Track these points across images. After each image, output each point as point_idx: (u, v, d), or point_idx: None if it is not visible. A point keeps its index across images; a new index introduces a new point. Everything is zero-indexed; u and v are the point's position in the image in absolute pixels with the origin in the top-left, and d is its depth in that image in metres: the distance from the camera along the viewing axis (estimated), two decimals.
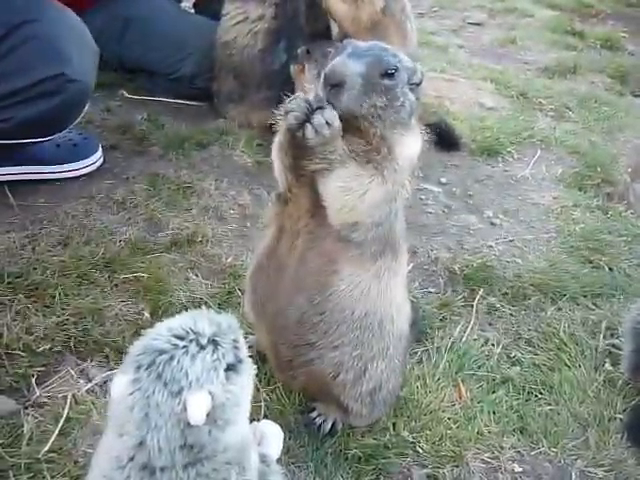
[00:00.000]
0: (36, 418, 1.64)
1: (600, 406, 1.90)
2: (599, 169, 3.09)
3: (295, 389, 1.78)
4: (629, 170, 3.14)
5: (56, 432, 1.60)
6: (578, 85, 4.06)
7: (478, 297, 2.24)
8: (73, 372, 1.77)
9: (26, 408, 1.66)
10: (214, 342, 1.02)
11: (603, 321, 2.19)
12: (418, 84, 1.48)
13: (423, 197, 2.77)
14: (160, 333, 1.02)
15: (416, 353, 1.99)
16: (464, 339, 2.07)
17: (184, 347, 1.00)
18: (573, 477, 1.72)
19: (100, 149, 2.61)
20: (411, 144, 1.49)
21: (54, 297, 1.95)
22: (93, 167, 2.57)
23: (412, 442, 1.73)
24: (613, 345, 2.09)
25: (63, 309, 1.93)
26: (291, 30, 2.92)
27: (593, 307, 2.27)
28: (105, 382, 1.73)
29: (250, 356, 1.08)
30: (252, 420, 1.21)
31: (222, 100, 3.07)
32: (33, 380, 1.73)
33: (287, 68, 2.84)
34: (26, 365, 1.76)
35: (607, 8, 5.55)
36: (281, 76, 2.87)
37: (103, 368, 1.80)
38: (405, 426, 1.76)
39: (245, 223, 2.45)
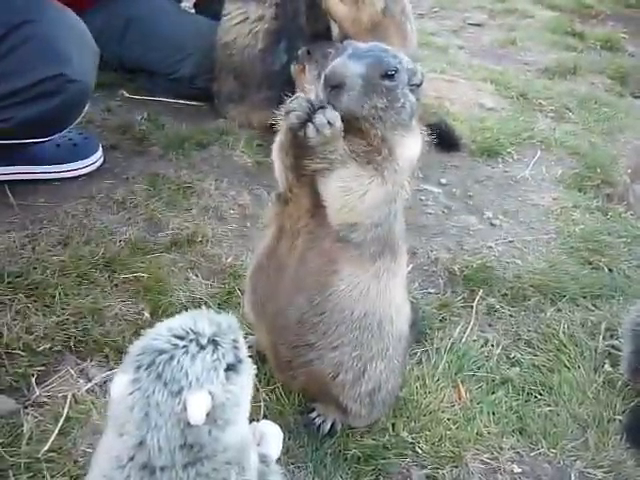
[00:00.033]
0: (36, 418, 1.64)
1: (599, 407, 1.90)
2: (599, 170, 3.09)
3: (295, 389, 1.78)
4: (629, 171, 3.14)
5: (56, 432, 1.60)
6: (578, 86, 4.06)
7: (478, 298, 2.24)
8: (73, 372, 1.77)
9: (26, 407, 1.66)
10: (214, 342, 1.02)
11: (603, 322, 2.19)
12: (418, 85, 1.48)
13: (423, 198, 2.78)
14: (160, 333, 1.02)
15: (416, 354, 1.99)
16: (464, 340, 2.07)
17: (184, 347, 1.00)
18: (572, 478, 1.72)
19: (100, 149, 2.62)
20: (411, 145, 1.49)
21: (54, 297, 1.96)
22: (93, 167, 2.57)
23: (411, 443, 1.73)
24: (612, 346, 2.09)
25: (63, 309, 1.93)
26: (291, 31, 2.92)
27: (593, 308, 2.27)
28: (105, 382, 1.73)
29: (250, 356, 1.08)
30: (252, 420, 1.21)
31: (222, 100, 3.08)
32: (33, 380, 1.73)
33: (287, 68, 2.85)
34: (26, 365, 1.76)
35: (607, 9, 5.55)
36: (281, 76, 2.88)
37: (103, 368, 1.80)
38: (404, 427, 1.76)
39: (245, 223, 2.45)
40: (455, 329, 2.10)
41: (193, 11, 3.67)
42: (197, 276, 2.15)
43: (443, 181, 2.91)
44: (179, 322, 1.04)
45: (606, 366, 2.03)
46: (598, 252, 2.54)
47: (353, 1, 2.82)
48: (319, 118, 1.35)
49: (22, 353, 1.79)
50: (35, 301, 1.94)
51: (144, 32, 3.10)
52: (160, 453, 0.98)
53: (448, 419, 1.80)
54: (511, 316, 2.21)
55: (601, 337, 2.13)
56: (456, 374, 1.94)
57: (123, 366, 1.03)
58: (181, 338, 1.01)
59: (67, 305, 1.94)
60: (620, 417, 1.88)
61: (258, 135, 2.91)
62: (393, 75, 1.40)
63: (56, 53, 2.12)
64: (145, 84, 3.20)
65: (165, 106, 3.12)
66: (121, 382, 1.00)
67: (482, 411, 1.84)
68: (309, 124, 1.36)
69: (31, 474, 1.51)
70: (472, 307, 2.20)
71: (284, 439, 1.38)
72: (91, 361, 1.81)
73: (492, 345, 2.07)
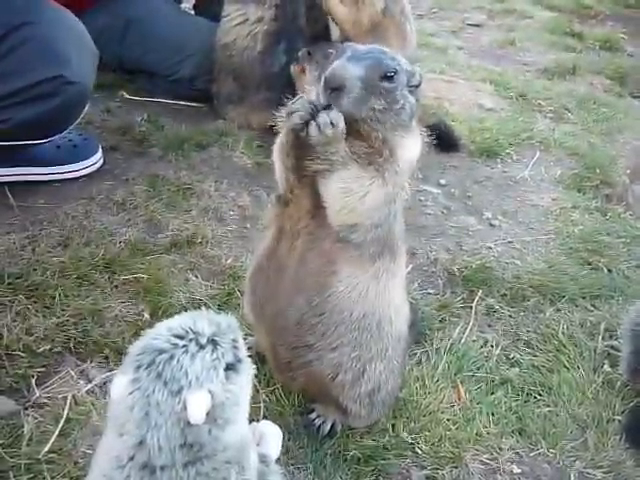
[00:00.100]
0: (36, 419, 1.64)
1: (599, 407, 1.90)
2: (598, 170, 3.09)
3: (294, 390, 1.78)
4: (628, 171, 3.14)
5: (56, 433, 1.60)
6: (577, 86, 4.06)
7: (477, 298, 2.24)
8: (73, 373, 1.78)
9: (26, 409, 1.66)
10: (213, 342, 1.02)
11: (602, 322, 2.19)
12: (417, 86, 1.49)
13: (422, 198, 2.78)
14: (160, 333, 1.03)
15: (415, 354, 1.99)
16: (463, 340, 2.07)
17: (184, 346, 1.00)
18: (572, 478, 1.72)
19: (100, 150, 2.62)
20: (412, 146, 1.49)
21: (54, 298, 1.96)
22: (93, 168, 2.57)
23: (411, 443, 1.73)
24: (612, 347, 2.09)
25: (63, 310, 1.93)
26: (291, 32, 2.93)
27: (592, 308, 2.28)
28: (105, 383, 1.73)
29: (249, 357, 1.09)
30: (251, 421, 1.21)
31: (222, 101, 3.08)
32: (33, 381, 1.73)
33: (287, 70, 2.85)
34: (26, 366, 1.76)
35: (606, 9, 5.56)
36: (281, 78, 2.88)
37: (103, 369, 1.80)
38: (404, 427, 1.76)
39: (245, 224, 2.45)
40: (454, 330, 2.11)
41: (193, 12, 3.68)
42: (197, 277, 2.16)
43: (442, 182, 2.92)
44: (179, 322, 1.04)
45: (605, 366, 2.03)
46: (597, 252, 2.54)
47: (353, 2, 2.83)
48: (322, 117, 1.36)
49: (22, 354, 1.79)
50: (35, 302, 1.94)
51: (143, 33, 3.11)
52: (160, 452, 0.99)
53: (448, 420, 1.80)
54: (510, 316, 2.21)
55: (600, 337, 2.14)
56: (455, 375, 1.94)
57: (123, 366, 1.03)
58: (181, 338, 1.01)
59: (67, 306, 1.94)
60: (619, 417, 1.88)
61: (257, 136, 2.91)
62: (392, 77, 1.40)
63: (55, 54, 2.12)
64: (145, 85, 3.21)
65: (165, 107, 3.12)
66: (121, 382, 1.00)
67: (481, 411, 1.84)
68: (312, 122, 1.36)
69: (31, 475, 1.51)
70: (471, 307, 2.21)
71: (284, 440, 1.39)
72: (91, 362, 1.81)
73: (491, 345, 2.08)
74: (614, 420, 1.88)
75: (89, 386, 1.74)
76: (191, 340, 1.01)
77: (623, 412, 1.90)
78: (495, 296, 2.27)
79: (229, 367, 1.02)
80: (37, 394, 1.70)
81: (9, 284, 1.98)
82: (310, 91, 1.49)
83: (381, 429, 1.75)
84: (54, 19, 2.16)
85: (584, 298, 2.31)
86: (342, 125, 1.37)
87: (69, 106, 2.23)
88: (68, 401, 1.69)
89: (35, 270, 2.04)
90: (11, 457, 1.53)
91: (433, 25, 4.93)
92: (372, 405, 1.67)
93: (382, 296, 1.56)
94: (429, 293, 2.27)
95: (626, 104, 3.92)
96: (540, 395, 1.93)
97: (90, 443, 1.57)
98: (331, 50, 2.41)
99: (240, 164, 2.79)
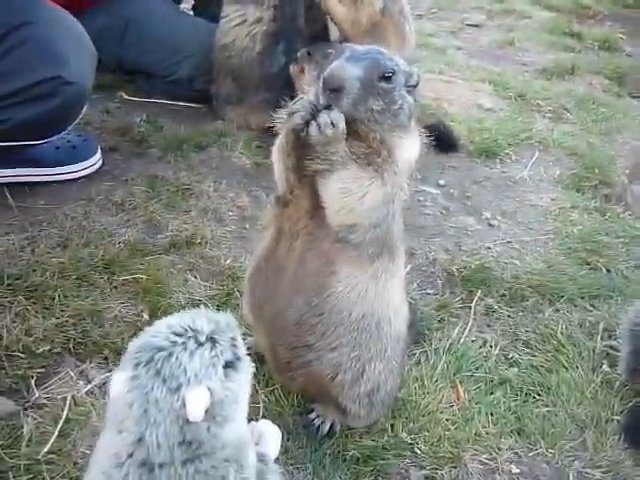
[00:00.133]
0: (35, 419, 1.64)
1: (597, 407, 1.90)
2: (597, 170, 3.09)
3: (293, 390, 1.79)
4: (627, 171, 3.15)
5: (55, 433, 1.60)
6: (576, 86, 4.07)
7: (476, 298, 2.25)
8: (72, 373, 1.78)
9: (25, 409, 1.67)
10: (212, 339, 1.02)
11: (601, 323, 2.19)
12: (415, 86, 1.49)
13: (421, 199, 2.78)
14: (159, 330, 1.03)
15: (414, 354, 1.99)
16: (462, 340, 2.07)
17: (182, 344, 1.00)
18: (570, 478, 1.72)
19: (99, 151, 2.62)
20: (410, 147, 1.50)
21: (53, 299, 1.96)
22: (92, 169, 2.58)
23: (410, 443, 1.73)
24: (611, 347, 2.09)
25: (62, 311, 1.93)
26: (290, 32, 2.93)
27: (591, 309, 2.28)
28: (104, 383, 1.73)
29: (248, 356, 1.09)
30: (250, 421, 1.21)
31: (221, 102, 3.08)
32: (32, 381, 1.73)
33: (285, 70, 2.85)
34: (25, 366, 1.76)
35: (605, 9, 5.56)
36: (280, 78, 2.88)
37: (102, 369, 1.80)
38: (403, 427, 1.77)
39: (244, 225, 2.45)
40: (453, 330, 2.11)
41: (191, 13, 3.68)
42: (196, 278, 2.16)
43: (441, 182, 2.92)
44: (177, 320, 1.04)
45: (604, 366, 2.03)
46: (596, 252, 2.54)
47: (352, 2, 2.83)
48: (323, 117, 1.36)
49: (22, 355, 1.79)
50: (34, 303, 1.94)
51: (142, 34, 3.11)
52: (159, 450, 0.99)
53: (447, 420, 1.80)
54: (509, 317, 2.21)
55: (599, 337, 2.14)
56: (454, 375, 1.95)
57: (122, 364, 1.03)
58: (179, 335, 1.01)
59: (66, 307, 1.95)
60: (618, 417, 1.88)
61: (256, 137, 2.91)
62: (390, 77, 1.41)
63: (53, 55, 2.12)
64: (143, 86, 3.21)
65: (164, 108, 3.12)
66: (120, 380, 1.00)
67: (480, 411, 1.85)
68: (313, 122, 1.37)
69: (31, 476, 1.51)
70: (470, 308, 2.21)
71: (283, 439, 1.38)
72: (90, 363, 1.82)
73: (490, 346, 2.08)
74: (613, 420, 1.88)
75: (88, 387, 1.75)
76: (190, 338, 1.01)
77: (622, 412, 1.90)
78: (494, 296, 2.27)
79: (228, 365, 1.02)
80: (36, 395, 1.70)
81: (8, 285, 1.98)
82: (309, 91, 1.49)
83: (380, 429, 1.76)
84: (52, 19, 2.17)
85: (583, 298, 2.31)
86: (342, 125, 1.37)
87: (67, 107, 2.23)
88: (67, 402, 1.69)
89: (34, 271, 2.04)
90: (11, 458, 1.53)
91: (432, 25, 4.93)
92: (371, 405, 1.68)
93: (381, 296, 1.56)
94: (428, 293, 2.27)
95: (625, 104, 3.92)
96: (539, 395, 1.93)
97: (89, 444, 1.57)
98: (330, 50, 2.41)
99: (239, 165, 2.79)
